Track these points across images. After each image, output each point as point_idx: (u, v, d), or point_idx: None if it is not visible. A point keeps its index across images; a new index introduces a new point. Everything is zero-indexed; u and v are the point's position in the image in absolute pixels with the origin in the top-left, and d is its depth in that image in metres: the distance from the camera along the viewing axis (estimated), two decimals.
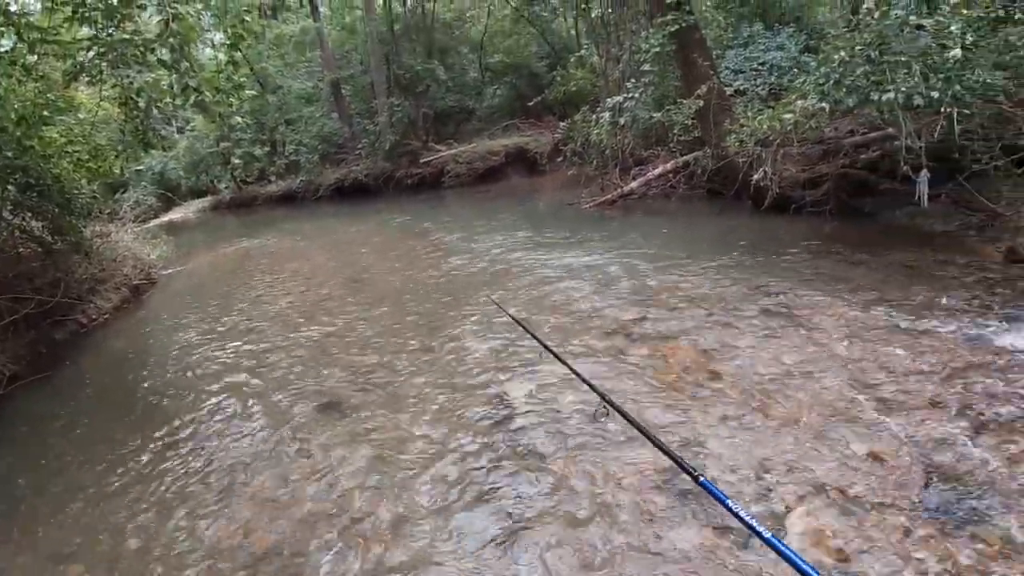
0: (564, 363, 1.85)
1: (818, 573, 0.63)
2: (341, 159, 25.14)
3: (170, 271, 13.20)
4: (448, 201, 19.07)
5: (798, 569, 0.63)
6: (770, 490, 3.26)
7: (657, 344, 5.30)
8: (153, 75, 7.57)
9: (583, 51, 17.29)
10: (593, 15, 15.88)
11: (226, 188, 29.88)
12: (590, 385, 1.49)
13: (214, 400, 5.79)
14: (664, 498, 3.35)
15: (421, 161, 22.07)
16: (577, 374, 1.58)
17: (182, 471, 4.56)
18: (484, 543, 3.25)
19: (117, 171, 10.17)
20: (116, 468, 4.77)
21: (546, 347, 1.97)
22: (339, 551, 3.37)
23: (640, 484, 3.49)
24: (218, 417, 5.42)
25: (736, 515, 0.71)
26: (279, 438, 4.80)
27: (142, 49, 7.18)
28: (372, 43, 23.10)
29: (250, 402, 5.58)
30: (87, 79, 7.72)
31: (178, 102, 8.13)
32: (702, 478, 0.84)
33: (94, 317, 9.79)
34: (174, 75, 7.56)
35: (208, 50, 27.71)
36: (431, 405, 4.87)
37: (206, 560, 3.50)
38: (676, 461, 0.91)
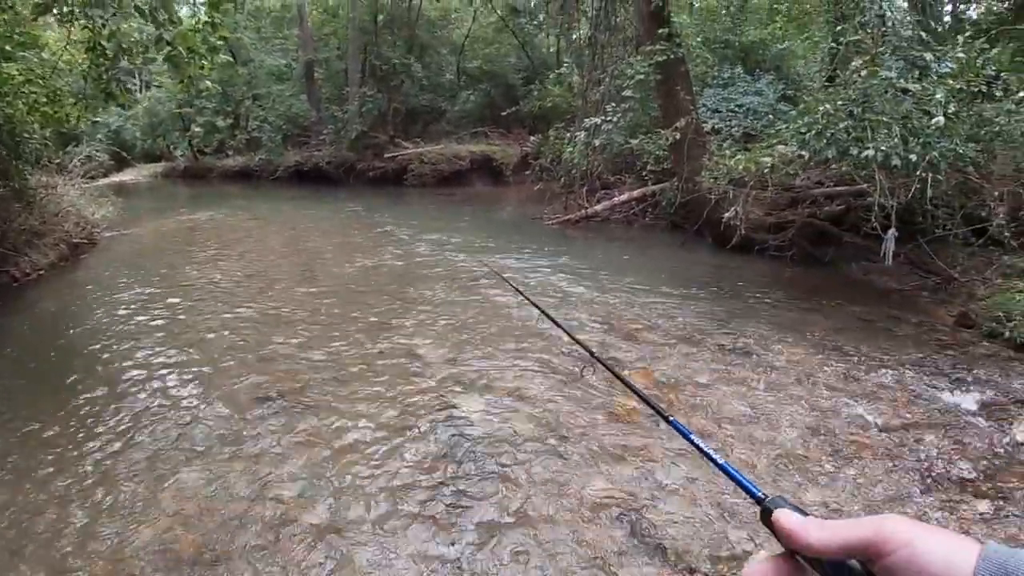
0: (554, 321, 1.81)
1: (762, 493, 0.68)
2: (304, 142, 24.68)
3: (113, 234, 12.63)
4: (410, 200, 18.84)
5: (747, 490, 0.71)
6: (724, 534, 3.20)
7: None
8: (127, 23, 7.24)
9: (563, 69, 17.35)
10: (576, 36, 15.94)
11: (182, 156, 29.03)
12: (577, 341, 1.48)
13: (143, 376, 5.43)
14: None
15: (386, 156, 21.79)
16: (567, 331, 1.56)
17: (102, 452, 4.17)
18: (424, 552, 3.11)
19: (73, 120, 9.67)
20: (32, 441, 4.36)
21: (542, 310, 1.91)
22: (264, 555, 3.14)
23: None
24: (145, 396, 5.05)
25: (699, 447, 0.84)
26: (207, 424, 4.52)
27: None
28: (353, 29, 22.79)
29: (183, 382, 5.29)
30: (57, 16, 7.32)
31: (150, 55, 7.81)
32: (671, 418, 0.92)
33: (28, 272, 9.25)
34: (150, 24, 7.24)
35: (185, 8, 26.98)
36: (372, 401, 4.71)
37: (120, 552, 3.19)
38: (649, 404, 0.95)
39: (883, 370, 5.23)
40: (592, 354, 1.44)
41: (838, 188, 8.46)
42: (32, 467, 4.03)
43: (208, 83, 10.25)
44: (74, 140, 28.45)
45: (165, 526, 3.38)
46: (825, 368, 5.27)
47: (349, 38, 23.24)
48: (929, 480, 3.73)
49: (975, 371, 5.18)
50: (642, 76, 10.23)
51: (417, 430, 4.29)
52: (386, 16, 23.18)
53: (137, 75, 26.64)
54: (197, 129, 25.96)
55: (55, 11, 7.10)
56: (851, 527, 0.57)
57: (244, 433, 4.35)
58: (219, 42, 8.78)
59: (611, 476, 3.72)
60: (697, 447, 0.85)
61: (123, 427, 4.51)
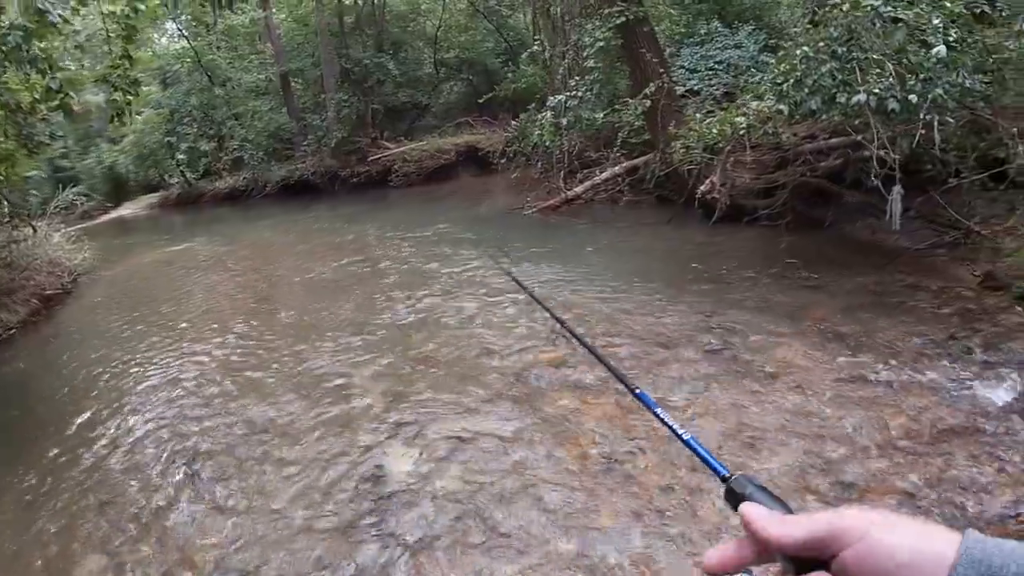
0: (524, 287, 1.79)
1: (727, 471, 0.64)
2: (289, 155, 23.95)
3: (89, 278, 12.27)
4: (391, 202, 18.08)
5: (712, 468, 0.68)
6: None
7: (572, 397, 4.39)
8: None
9: (535, 46, 16.35)
10: (534, 8, 14.96)
11: (177, 183, 28.43)
12: (547, 309, 1.42)
13: (101, 440, 4.96)
14: None
15: (368, 159, 20.97)
16: (534, 297, 1.51)
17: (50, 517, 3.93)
18: None
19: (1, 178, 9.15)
20: None
21: (521, 284, 1.92)
22: None
23: None
24: (95, 459, 4.63)
25: (664, 421, 0.79)
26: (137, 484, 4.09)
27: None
28: (322, 35, 21.93)
29: (135, 445, 4.79)
30: None
31: (43, 106, 7.27)
32: (638, 390, 0.85)
33: None
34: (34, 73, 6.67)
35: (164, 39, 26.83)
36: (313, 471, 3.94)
37: None
38: (616, 375, 0.93)
39: (899, 361, 4.35)
40: (561, 322, 1.33)
41: (832, 141, 7.45)
42: None
43: (139, 117, 9.68)
44: (73, 182, 28.18)
45: None
46: (829, 366, 4.40)
47: (320, 44, 22.36)
48: (964, 521, 2.88)
49: (1009, 351, 4.29)
50: (602, 43, 9.25)
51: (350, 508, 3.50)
52: (354, 17, 22.23)
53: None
54: (181, 156, 25.30)
55: None
56: (809, 522, 0.54)
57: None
58: (139, 75, 8.25)
59: None
60: (663, 421, 0.82)
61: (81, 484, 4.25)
